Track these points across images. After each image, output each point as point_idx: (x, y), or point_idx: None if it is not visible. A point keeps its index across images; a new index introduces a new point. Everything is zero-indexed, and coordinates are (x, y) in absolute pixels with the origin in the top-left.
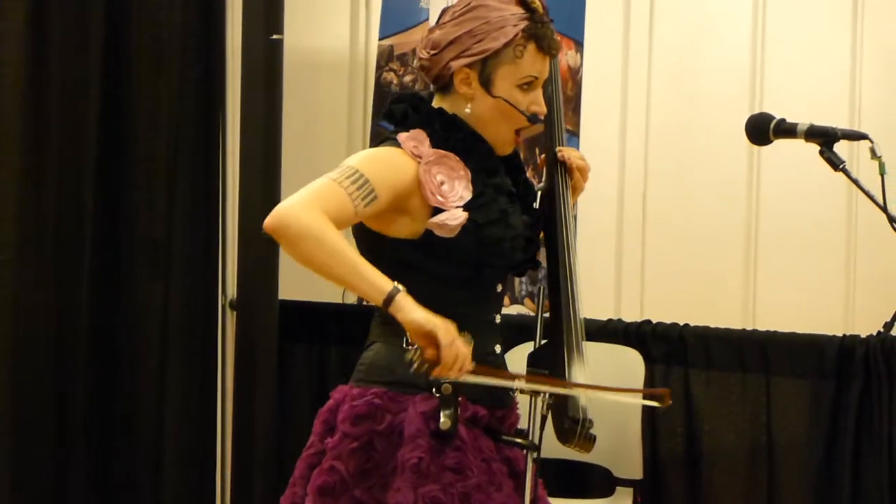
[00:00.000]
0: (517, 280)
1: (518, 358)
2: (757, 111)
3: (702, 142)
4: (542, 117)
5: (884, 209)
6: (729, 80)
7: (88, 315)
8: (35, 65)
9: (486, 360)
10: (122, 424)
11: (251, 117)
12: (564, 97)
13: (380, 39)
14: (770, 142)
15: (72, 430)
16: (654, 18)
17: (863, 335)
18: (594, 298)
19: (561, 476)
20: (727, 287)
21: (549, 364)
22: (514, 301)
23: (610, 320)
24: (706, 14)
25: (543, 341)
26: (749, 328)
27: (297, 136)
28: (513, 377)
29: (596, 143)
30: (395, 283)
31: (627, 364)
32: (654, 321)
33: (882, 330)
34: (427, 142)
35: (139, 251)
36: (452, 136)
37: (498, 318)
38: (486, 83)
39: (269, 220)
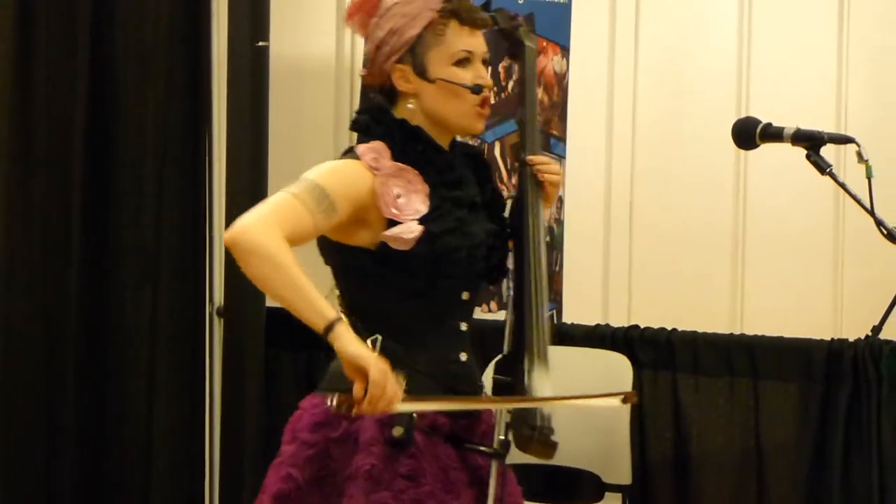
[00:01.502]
0: (504, 285)
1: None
2: (743, 115)
3: (688, 146)
4: (488, 90)
5: (871, 213)
6: (715, 84)
7: (76, 322)
8: (21, 70)
9: (448, 369)
10: (110, 431)
11: (237, 124)
12: (551, 102)
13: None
14: (757, 146)
15: (61, 436)
16: (640, 23)
17: (851, 339)
18: (581, 303)
19: (550, 482)
20: (715, 291)
21: (512, 372)
22: (501, 306)
23: (597, 325)
24: (692, 19)
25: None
26: (737, 332)
27: (283, 142)
28: (452, 401)
29: (583, 149)
30: (339, 313)
31: (615, 369)
32: (642, 326)
33: (870, 334)
34: (387, 154)
35: (126, 258)
36: (412, 148)
37: (464, 326)
38: (422, 72)
39: (227, 234)
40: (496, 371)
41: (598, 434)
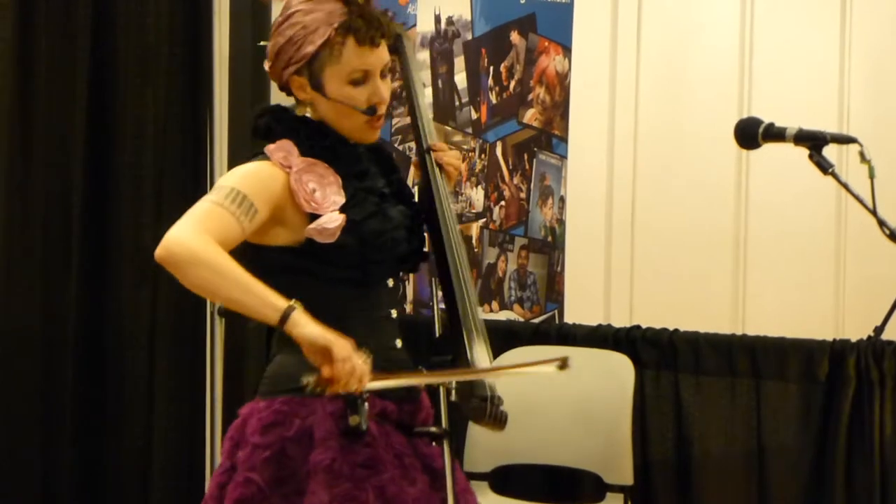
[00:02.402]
0: (506, 286)
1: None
2: (745, 115)
3: (690, 146)
4: (383, 107)
5: (873, 213)
6: (717, 84)
7: (76, 322)
8: (22, 72)
9: (388, 355)
10: (110, 431)
11: (238, 124)
12: (553, 102)
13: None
14: (759, 146)
15: (60, 435)
16: (642, 23)
17: (853, 340)
18: (583, 304)
19: (551, 482)
20: (717, 292)
21: (451, 350)
22: (503, 307)
23: (599, 326)
24: (694, 19)
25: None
26: (739, 333)
27: None
28: (415, 376)
29: (584, 148)
30: (292, 300)
31: (617, 369)
32: (644, 326)
33: (872, 334)
34: (295, 151)
35: (127, 258)
36: (318, 143)
37: (394, 314)
38: (318, 87)
39: (158, 251)
40: (434, 353)
41: (600, 434)
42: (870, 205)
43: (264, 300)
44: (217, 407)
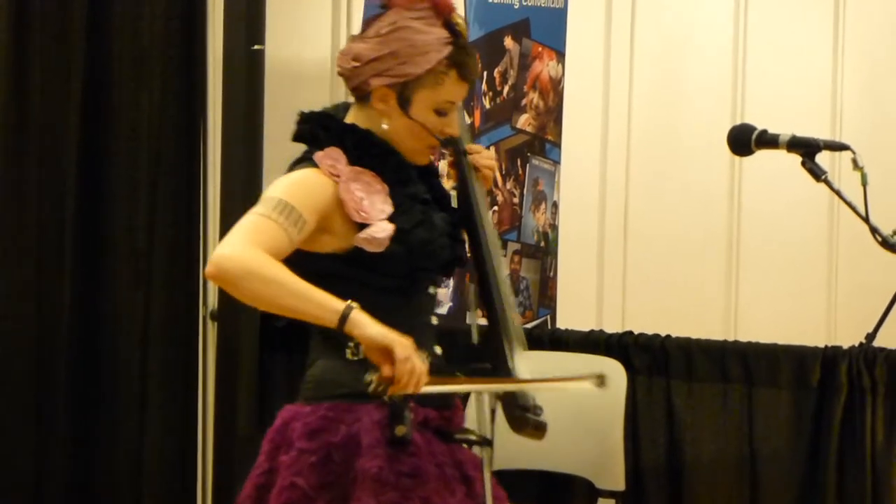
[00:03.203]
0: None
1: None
2: (738, 122)
3: (683, 153)
4: (454, 138)
5: (866, 219)
6: (710, 90)
7: (69, 325)
8: (16, 74)
9: (431, 363)
10: (103, 435)
11: (233, 127)
12: (546, 108)
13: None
14: (752, 153)
15: (52, 439)
16: (636, 29)
17: (845, 346)
18: (575, 309)
19: (542, 487)
20: (709, 298)
21: (491, 358)
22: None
23: (592, 331)
24: (687, 25)
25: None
26: (731, 339)
27: (278, 146)
28: (466, 382)
29: (578, 154)
30: (349, 301)
31: (609, 375)
32: (636, 332)
33: (865, 341)
34: (343, 159)
35: (120, 261)
36: (366, 151)
37: (434, 320)
38: (404, 104)
39: (209, 269)
40: (472, 361)
41: (591, 439)
42: (862, 212)
43: (322, 304)
44: (209, 409)
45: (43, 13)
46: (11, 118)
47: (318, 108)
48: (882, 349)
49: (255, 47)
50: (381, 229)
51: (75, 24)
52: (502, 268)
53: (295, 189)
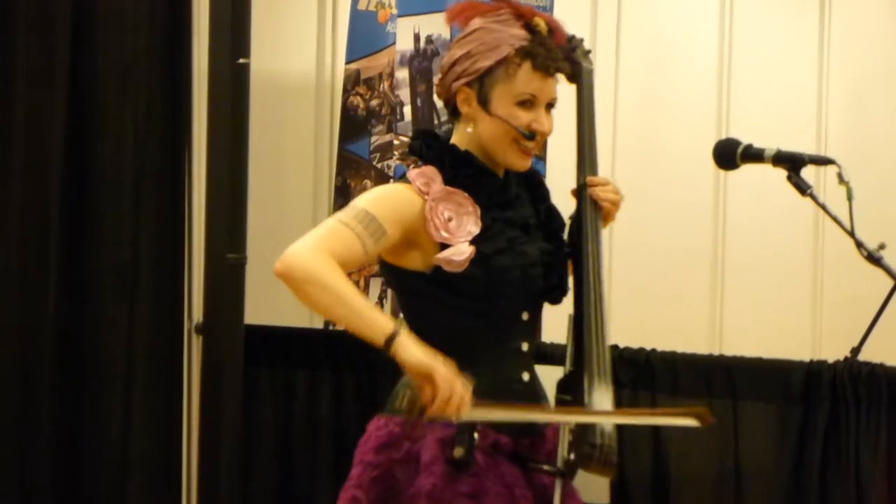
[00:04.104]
0: None
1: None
2: (724, 136)
3: (668, 166)
4: (542, 137)
5: (851, 234)
6: (696, 104)
7: (53, 339)
8: (1, 87)
9: (512, 389)
10: (87, 449)
11: (217, 141)
12: None
13: (346, 63)
14: (737, 167)
15: (36, 454)
16: (621, 42)
17: (830, 360)
18: (560, 323)
19: None
20: (694, 312)
21: (573, 391)
22: None
23: None
24: (673, 38)
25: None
26: (716, 353)
27: (263, 159)
28: (523, 410)
29: (562, 167)
30: (398, 322)
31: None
32: (621, 346)
33: (849, 355)
34: (439, 178)
35: (104, 275)
36: (462, 172)
37: (525, 346)
38: (485, 102)
39: (278, 265)
40: (558, 390)
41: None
42: (848, 226)
43: (372, 323)
44: (194, 424)
45: (28, 25)
46: None
47: (301, 121)
48: (867, 363)
49: (241, 61)
50: (460, 252)
51: (60, 37)
52: (604, 307)
53: (380, 201)
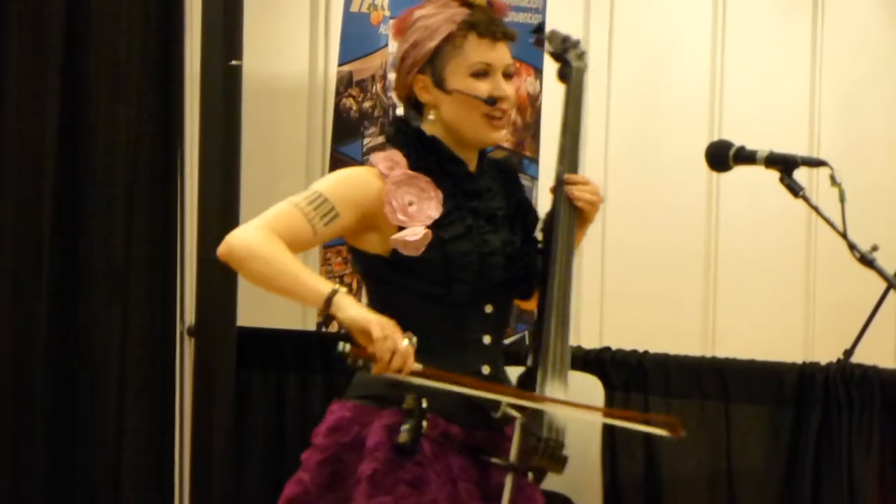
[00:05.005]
0: None
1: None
2: (716, 138)
3: (661, 168)
4: (505, 103)
5: (844, 236)
6: (688, 107)
7: (46, 342)
8: None
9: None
10: (80, 451)
11: (210, 142)
12: (524, 123)
13: (339, 65)
14: (730, 169)
15: (28, 456)
16: (614, 46)
17: (822, 362)
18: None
19: None
20: (687, 314)
21: (529, 386)
22: None
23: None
24: (666, 41)
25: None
26: (708, 355)
27: (256, 161)
28: (468, 383)
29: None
30: (337, 285)
31: (587, 390)
32: (614, 348)
33: (842, 357)
34: (403, 162)
35: (96, 278)
36: (427, 157)
37: (487, 339)
38: (440, 83)
39: (220, 247)
40: (517, 384)
41: (569, 455)
42: (840, 228)
43: (311, 288)
44: (186, 425)
45: (20, 29)
46: None
47: (294, 123)
48: (860, 365)
49: (233, 62)
50: (414, 233)
51: (52, 41)
52: (568, 305)
53: (336, 183)
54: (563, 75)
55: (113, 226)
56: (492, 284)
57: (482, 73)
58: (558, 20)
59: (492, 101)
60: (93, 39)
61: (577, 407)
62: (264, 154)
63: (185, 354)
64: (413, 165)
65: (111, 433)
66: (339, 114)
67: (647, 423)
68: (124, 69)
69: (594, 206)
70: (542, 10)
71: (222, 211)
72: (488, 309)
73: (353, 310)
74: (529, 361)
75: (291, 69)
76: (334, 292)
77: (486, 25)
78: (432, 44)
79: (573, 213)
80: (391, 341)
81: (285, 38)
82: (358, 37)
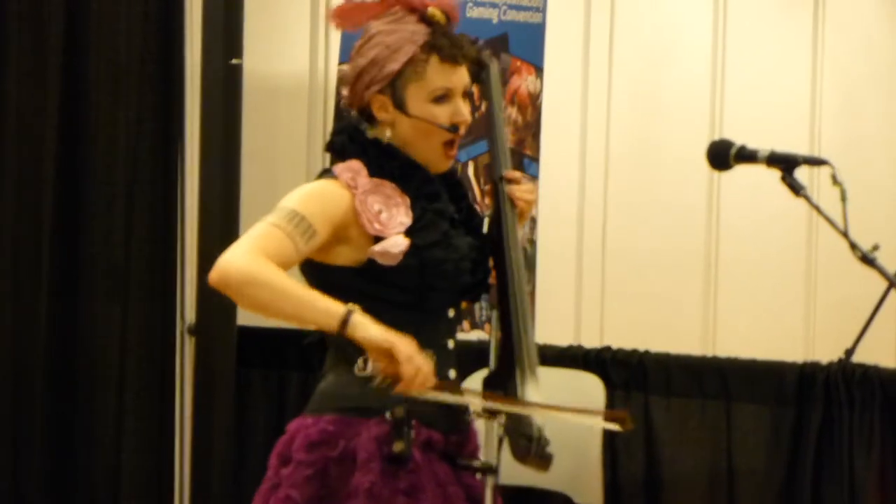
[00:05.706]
0: (477, 305)
1: (476, 384)
2: (717, 137)
3: (662, 168)
4: (464, 128)
5: (845, 235)
6: (689, 106)
7: (46, 339)
8: None
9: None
10: (79, 450)
11: (210, 141)
12: (524, 122)
13: (339, 64)
14: (731, 168)
15: (28, 455)
16: (615, 45)
17: (823, 362)
18: (554, 324)
19: (520, 502)
20: (687, 313)
21: (502, 387)
22: (474, 326)
23: (570, 346)
24: (666, 40)
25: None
26: (709, 354)
27: (256, 160)
28: (475, 394)
29: (556, 169)
30: (349, 304)
31: (587, 390)
32: (615, 347)
33: (843, 357)
34: (364, 171)
35: (97, 277)
36: (388, 164)
37: (451, 344)
38: (400, 105)
39: (212, 274)
40: (485, 387)
41: (570, 454)
42: (842, 227)
43: (322, 310)
44: (186, 425)
45: (20, 29)
46: None
47: (295, 122)
48: (861, 365)
49: (233, 62)
50: (396, 244)
51: (52, 41)
52: (526, 301)
53: (308, 200)
54: (477, 77)
55: (113, 225)
56: (459, 289)
57: (443, 97)
58: (558, 20)
59: (454, 128)
60: (93, 39)
61: (557, 409)
62: (264, 154)
63: (186, 353)
64: (374, 173)
65: (111, 433)
66: (340, 113)
67: (597, 417)
68: (124, 69)
69: (530, 206)
70: (542, 10)
71: (222, 211)
72: (451, 314)
73: (373, 329)
74: (493, 361)
75: (292, 68)
76: (350, 312)
77: (449, 50)
78: (395, 66)
79: (515, 212)
80: (416, 361)
81: (286, 38)
82: (359, 35)
